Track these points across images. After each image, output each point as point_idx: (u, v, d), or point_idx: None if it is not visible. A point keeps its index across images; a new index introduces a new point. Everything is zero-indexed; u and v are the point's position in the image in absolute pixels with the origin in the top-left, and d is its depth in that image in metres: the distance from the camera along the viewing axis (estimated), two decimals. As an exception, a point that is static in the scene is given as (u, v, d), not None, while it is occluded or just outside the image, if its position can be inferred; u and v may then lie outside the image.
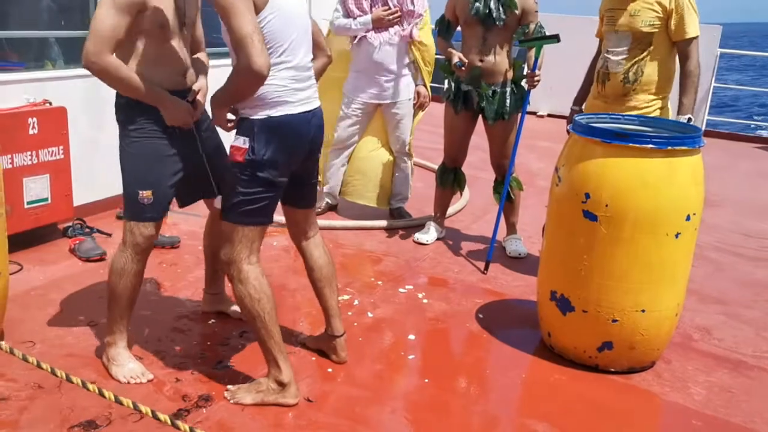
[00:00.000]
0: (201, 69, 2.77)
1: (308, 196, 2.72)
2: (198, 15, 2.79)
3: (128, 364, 2.65)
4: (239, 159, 2.36)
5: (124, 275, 2.61)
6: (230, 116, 2.43)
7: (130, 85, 2.47)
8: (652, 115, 3.43)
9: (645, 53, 3.42)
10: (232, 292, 2.54)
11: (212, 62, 2.93)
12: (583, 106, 3.78)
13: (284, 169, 2.43)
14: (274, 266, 3.72)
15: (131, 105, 2.54)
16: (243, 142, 2.36)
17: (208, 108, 2.56)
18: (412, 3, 4.27)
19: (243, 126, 2.39)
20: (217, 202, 2.74)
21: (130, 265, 2.61)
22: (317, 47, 2.59)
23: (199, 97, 2.66)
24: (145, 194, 2.57)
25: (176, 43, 2.59)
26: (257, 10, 2.23)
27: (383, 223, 4.60)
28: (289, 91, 2.38)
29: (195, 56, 2.78)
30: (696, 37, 3.39)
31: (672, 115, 3.51)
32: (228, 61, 2.36)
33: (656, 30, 3.38)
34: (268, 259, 3.54)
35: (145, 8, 2.44)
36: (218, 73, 2.67)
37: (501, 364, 3.01)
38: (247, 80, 2.23)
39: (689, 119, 3.36)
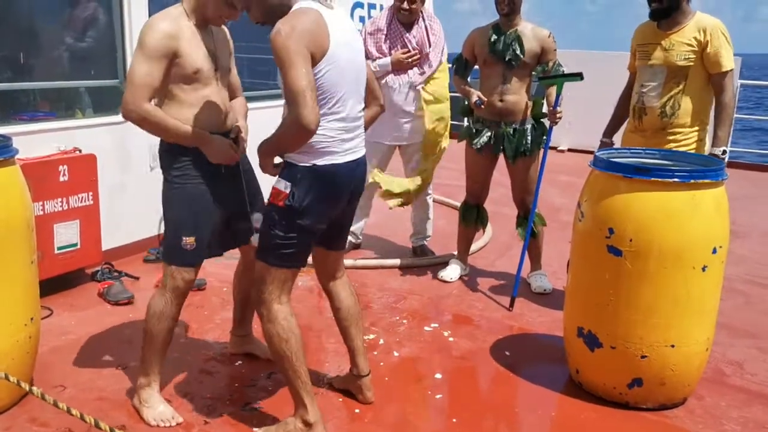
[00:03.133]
0: (240, 111, 2.86)
1: (342, 240, 2.75)
2: (232, 61, 2.87)
3: (159, 407, 2.67)
4: (279, 203, 2.38)
5: (163, 318, 2.65)
6: (276, 160, 2.44)
7: (170, 130, 2.54)
8: (691, 146, 3.45)
9: (680, 86, 3.43)
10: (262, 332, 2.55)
11: (249, 104, 3.01)
12: (613, 139, 3.79)
13: (322, 218, 2.45)
14: (298, 306, 3.71)
15: (173, 151, 2.61)
16: (284, 187, 2.37)
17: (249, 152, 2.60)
18: (431, 46, 4.33)
19: (287, 171, 2.40)
20: (255, 239, 2.77)
21: (169, 308, 2.65)
22: (371, 95, 2.60)
23: (241, 135, 2.73)
24: (189, 240, 2.61)
25: (214, 88, 2.67)
26: (314, 61, 2.25)
27: (407, 261, 4.61)
28: (337, 141, 2.39)
29: (233, 101, 2.85)
30: (731, 70, 3.41)
31: (708, 146, 3.51)
32: (265, 103, 2.41)
33: (691, 63, 3.40)
34: (293, 299, 3.55)
35: (176, 55, 2.52)
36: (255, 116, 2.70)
37: (529, 402, 2.98)
38: (294, 134, 2.26)
39: (724, 151, 3.36)
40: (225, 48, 2.78)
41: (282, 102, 2.41)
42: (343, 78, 2.36)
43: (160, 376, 2.73)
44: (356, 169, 2.50)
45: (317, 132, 2.28)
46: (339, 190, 2.47)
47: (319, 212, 2.42)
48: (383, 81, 4.36)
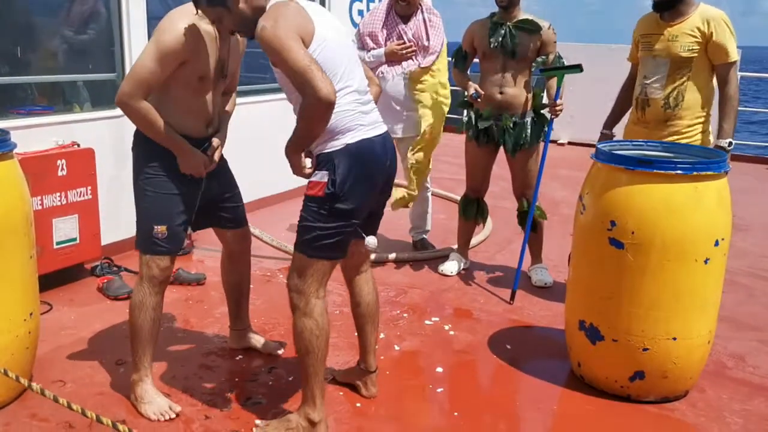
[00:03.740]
0: (224, 119, 2.83)
1: (374, 228, 2.68)
2: (239, 63, 2.85)
3: (156, 400, 2.67)
4: (319, 193, 2.33)
5: (143, 309, 2.64)
6: (307, 161, 2.38)
7: (154, 129, 2.54)
8: (694, 138, 3.44)
9: (684, 78, 3.41)
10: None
11: (239, 99, 2.99)
12: (615, 131, 3.78)
13: (363, 200, 2.40)
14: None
15: (149, 142, 2.60)
16: (322, 176, 2.33)
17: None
18: (428, 39, 4.31)
19: (320, 161, 2.36)
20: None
21: (149, 299, 2.65)
22: (367, 77, 2.56)
23: (216, 153, 2.72)
24: (160, 229, 2.62)
25: (210, 95, 2.65)
26: (305, 45, 2.23)
27: (407, 255, 4.60)
28: (358, 114, 2.36)
29: (223, 99, 2.83)
30: (735, 62, 3.39)
31: (713, 138, 3.50)
32: (256, 98, 2.38)
33: (695, 55, 3.38)
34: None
35: (188, 60, 2.50)
36: (245, 110, 2.68)
37: (531, 396, 2.97)
38: (317, 111, 2.20)
39: (730, 143, 3.35)
40: (236, 52, 2.75)
41: (276, 96, 2.39)
42: (338, 54, 2.34)
43: (152, 370, 2.72)
44: (386, 144, 2.46)
45: (336, 110, 2.23)
46: (376, 167, 2.41)
47: (361, 192, 2.36)
48: (377, 72, 4.33)
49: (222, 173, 2.85)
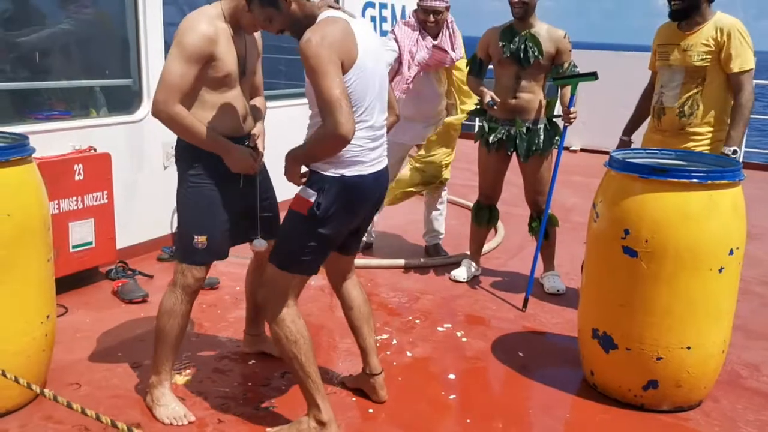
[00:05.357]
0: (258, 115, 2.86)
1: (357, 244, 2.77)
2: (259, 62, 2.87)
3: (171, 405, 2.68)
4: (302, 211, 2.37)
5: (173, 316, 2.66)
6: (303, 169, 2.42)
7: (195, 134, 2.55)
8: (711, 146, 3.43)
9: (699, 86, 3.42)
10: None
11: (268, 104, 3.02)
12: (633, 138, 3.79)
13: (343, 227, 2.46)
14: (311, 305, 3.75)
15: (191, 151, 2.61)
16: (310, 195, 2.36)
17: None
18: (453, 50, 4.37)
19: (313, 179, 2.39)
20: (258, 244, 2.76)
21: (180, 306, 2.66)
22: (388, 106, 2.59)
23: (258, 142, 2.73)
24: (200, 239, 2.63)
25: (237, 91, 2.67)
26: (344, 70, 2.25)
27: (419, 261, 4.60)
28: (365, 150, 2.39)
29: (253, 101, 2.86)
30: (749, 70, 3.39)
31: None
32: (282, 102, 2.38)
33: (709, 64, 3.39)
34: (306, 299, 3.56)
35: (212, 59, 2.53)
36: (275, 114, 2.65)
37: (543, 404, 2.97)
38: (332, 144, 2.25)
39: (734, 151, 3.34)
40: (254, 51, 2.78)
41: (300, 101, 2.41)
42: (369, 86, 2.36)
43: (171, 375, 2.74)
44: (380, 179, 2.51)
45: None
46: (364, 202, 2.47)
47: (341, 222, 2.42)
48: (418, 73, 4.36)
49: (263, 179, 2.85)
